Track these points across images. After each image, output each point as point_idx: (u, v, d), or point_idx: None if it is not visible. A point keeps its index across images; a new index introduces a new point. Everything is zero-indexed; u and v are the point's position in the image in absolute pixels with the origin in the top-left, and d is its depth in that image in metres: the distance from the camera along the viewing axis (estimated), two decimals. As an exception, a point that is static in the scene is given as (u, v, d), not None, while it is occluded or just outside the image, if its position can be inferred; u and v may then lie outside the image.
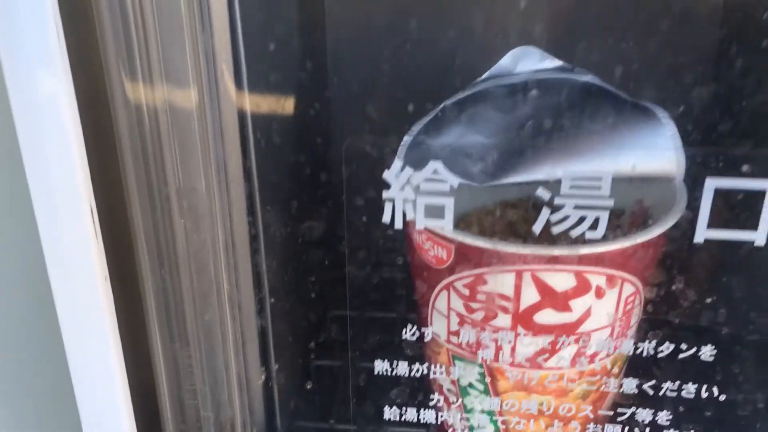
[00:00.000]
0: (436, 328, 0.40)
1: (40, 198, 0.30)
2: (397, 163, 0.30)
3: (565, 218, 0.29)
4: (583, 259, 0.33)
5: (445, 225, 0.31)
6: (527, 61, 0.44)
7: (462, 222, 0.42)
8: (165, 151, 0.29)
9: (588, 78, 0.42)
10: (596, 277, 0.35)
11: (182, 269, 0.31)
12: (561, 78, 0.43)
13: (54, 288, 0.32)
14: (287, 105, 0.38)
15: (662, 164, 0.39)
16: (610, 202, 0.29)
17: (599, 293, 0.35)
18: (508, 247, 0.32)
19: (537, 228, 0.30)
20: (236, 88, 0.31)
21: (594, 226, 0.29)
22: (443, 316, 0.39)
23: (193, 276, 0.32)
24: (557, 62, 0.43)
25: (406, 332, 0.36)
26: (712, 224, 0.28)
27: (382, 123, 0.39)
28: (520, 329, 0.36)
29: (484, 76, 0.44)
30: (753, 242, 0.28)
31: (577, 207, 0.29)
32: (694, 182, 0.37)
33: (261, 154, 0.33)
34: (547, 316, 0.36)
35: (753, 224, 0.28)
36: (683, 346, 0.32)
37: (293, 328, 0.38)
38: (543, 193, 0.30)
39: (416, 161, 0.42)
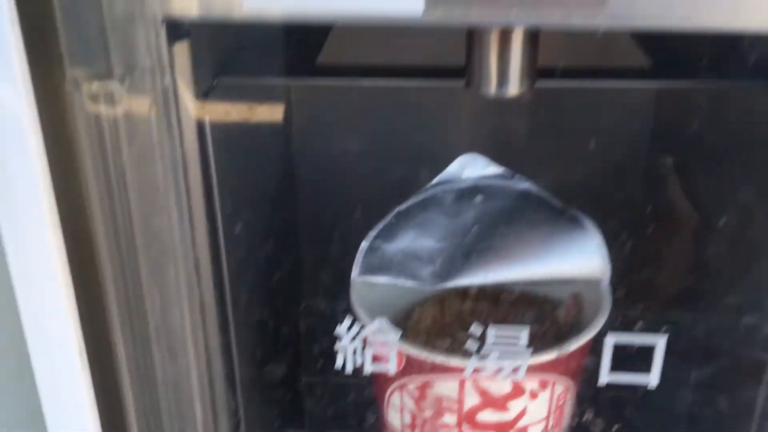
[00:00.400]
0: (392, 421, 0.44)
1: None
2: (347, 320, 0.34)
3: (491, 363, 0.34)
4: (518, 371, 0.38)
5: (390, 368, 0.36)
6: (473, 168, 0.49)
7: (410, 319, 0.47)
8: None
9: (526, 185, 0.47)
10: (530, 383, 0.39)
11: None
12: (502, 185, 0.48)
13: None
14: (255, 255, 0.43)
15: (590, 268, 0.44)
16: (528, 353, 0.34)
17: (533, 395, 0.40)
18: (451, 361, 0.37)
19: (466, 374, 0.35)
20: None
21: (515, 370, 0.34)
22: (397, 411, 0.43)
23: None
24: (500, 169, 0.48)
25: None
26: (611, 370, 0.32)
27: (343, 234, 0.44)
28: (464, 426, 0.41)
29: (434, 181, 0.49)
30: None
31: (501, 355, 0.34)
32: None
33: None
34: (487, 416, 0.40)
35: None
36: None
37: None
38: (471, 345, 0.34)
39: (373, 267, 0.46)
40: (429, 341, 0.43)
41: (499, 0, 0.24)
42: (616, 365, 0.33)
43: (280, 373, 0.47)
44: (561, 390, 0.41)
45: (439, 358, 0.38)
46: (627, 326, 0.37)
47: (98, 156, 0.33)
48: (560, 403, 0.41)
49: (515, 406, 0.40)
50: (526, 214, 0.46)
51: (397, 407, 0.43)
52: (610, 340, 0.32)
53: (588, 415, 0.40)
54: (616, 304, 0.42)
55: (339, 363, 0.34)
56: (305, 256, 0.55)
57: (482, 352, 0.34)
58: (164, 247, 0.35)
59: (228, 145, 0.38)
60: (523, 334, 0.33)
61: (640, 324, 0.34)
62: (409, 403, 0.42)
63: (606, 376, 0.33)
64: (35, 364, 0.37)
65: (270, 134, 0.51)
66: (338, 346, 0.34)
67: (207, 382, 0.38)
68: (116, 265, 0.35)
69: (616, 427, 0.43)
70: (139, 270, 0.35)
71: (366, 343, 0.36)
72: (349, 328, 0.34)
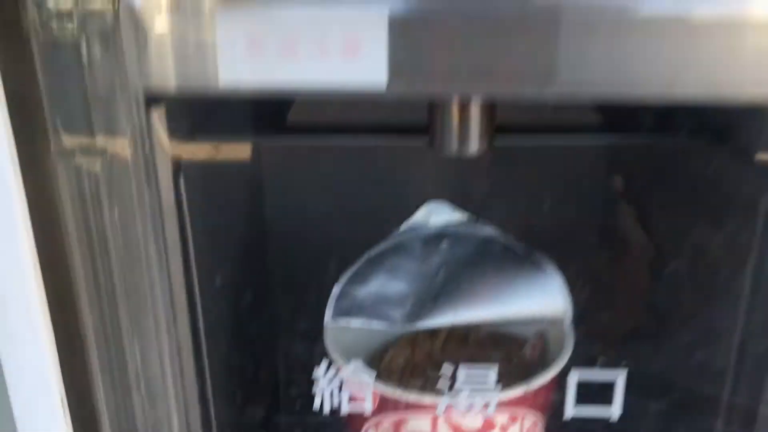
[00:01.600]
0: (368, 458, 0.45)
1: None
2: (324, 364, 0.36)
3: (463, 400, 0.36)
4: (487, 406, 0.40)
5: (366, 407, 0.37)
6: (439, 215, 0.51)
7: (383, 360, 0.48)
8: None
9: (489, 231, 0.50)
10: (500, 417, 0.41)
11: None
12: (467, 231, 0.50)
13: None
14: (231, 303, 0.45)
15: (552, 308, 0.47)
16: (497, 389, 0.36)
17: (503, 429, 0.41)
18: (424, 399, 0.39)
19: (439, 411, 0.37)
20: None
21: (486, 406, 0.36)
22: (373, 449, 0.44)
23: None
24: (464, 216, 0.50)
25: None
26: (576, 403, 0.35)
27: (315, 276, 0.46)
28: (439, 461, 0.42)
29: (402, 228, 0.51)
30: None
31: (472, 393, 0.36)
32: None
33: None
34: (461, 450, 0.42)
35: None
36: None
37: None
38: (443, 384, 0.36)
39: (345, 311, 0.48)
40: (402, 380, 0.44)
41: (457, 73, 0.27)
42: (581, 398, 0.35)
43: (259, 416, 0.48)
44: (530, 424, 0.42)
45: (412, 397, 0.40)
46: (589, 361, 0.40)
47: (79, 210, 0.34)
48: (529, 436, 0.43)
49: (487, 441, 0.41)
50: (490, 258, 0.49)
51: (373, 446, 0.44)
52: (573, 377, 0.35)
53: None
54: (579, 341, 0.44)
55: (317, 404, 0.36)
56: (280, 302, 0.57)
57: (454, 389, 0.36)
58: (144, 297, 0.36)
59: (202, 197, 0.40)
60: (492, 372, 0.35)
61: (601, 359, 0.37)
62: (385, 441, 0.43)
63: (571, 409, 0.35)
64: (16, 412, 0.38)
65: (241, 185, 0.53)
66: (316, 388, 0.35)
67: (186, 427, 0.39)
68: (97, 314, 0.37)
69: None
70: (119, 320, 0.37)
71: (342, 385, 0.38)
72: (326, 370, 0.35)
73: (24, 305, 0.36)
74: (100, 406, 0.38)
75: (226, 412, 0.42)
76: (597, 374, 0.34)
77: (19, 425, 0.38)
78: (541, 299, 0.46)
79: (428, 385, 0.42)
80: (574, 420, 0.36)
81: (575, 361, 0.42)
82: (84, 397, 0.38)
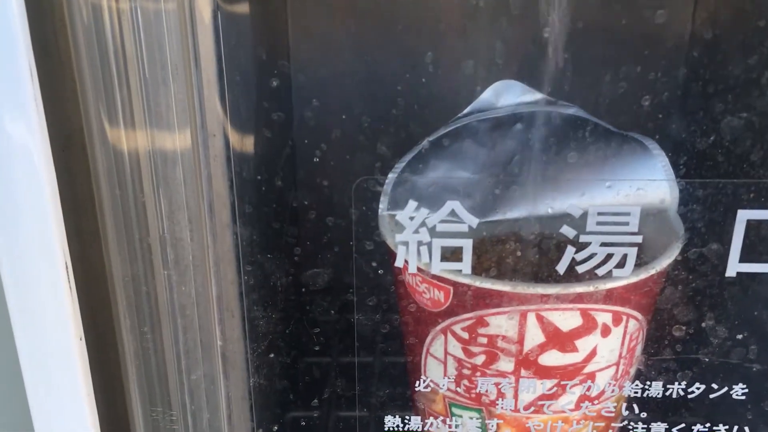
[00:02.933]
0: (432, 374, 0.37)
1: (8, 249, 0.27)
2: (411, 203, 0.28)
3: (591, 257, 0.28)
4: (589, 297, 0.32)
5: (464, 267, 0.29)
6: (509, 95, 0.43)
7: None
8: (147, 197, 0.27)
9: (573, 111, 0.42)
10: (602, 315, 0.33)
11: (164, 325, 0.29)
12: (546, 111, 0.42)
13: (20, 349, 0.29)
14: (283, 144, 0.36)
15: (655, 196, 0.39)
16: (639, 238, 0.28)
17: (605, 331, 0.34)
18: (521, 288, 0.31)
19: (561, 268, 0.29)
20: (230, 129, 0.29)
21: (621, 263, 0.28)
22: (440, 362, 0.37)
23: (179, 331, 0.29)
24: (540, 95, 0.42)
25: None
26: (744, 258, 0.27)
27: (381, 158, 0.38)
28: (523, 372, 0.35)
29: (466, 110, 0.44)
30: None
31: (603, 244, 0.28)
32: (691, 213, 0.36)
33: (256, 197, 0.31)
34: (551, 358, 0.34)
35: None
36: (714, 386, 0.31)
37: (296, 386, 0.36)
38: (568, 231, 0.28)
39: (400, 200, 0.40)
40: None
41: None
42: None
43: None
44: (634, 328, 0.35)
45: (496, 285, 0.32)
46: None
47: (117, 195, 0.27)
48: (632, 344, 0.35)
49: (585, 345, 0.34)
50: (575, 141, 0.41)
51: (440, 357, 0.36)
52: (743, 216, 0.26)
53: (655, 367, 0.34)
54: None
55: (400, 261, 0.28)
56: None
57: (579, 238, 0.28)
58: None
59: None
60: (635, 213, 0.27)
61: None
62: (456, 350, 0.35)
63: (735, 265, 0.27)
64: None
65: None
66: (398, 239, 0.27)
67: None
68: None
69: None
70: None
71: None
72: (414, 214, 0.27)
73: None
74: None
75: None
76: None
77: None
78: (642, 185, 0.38)
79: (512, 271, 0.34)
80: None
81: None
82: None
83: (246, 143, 0.29)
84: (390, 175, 0.40)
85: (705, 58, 0.48)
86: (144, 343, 0.29)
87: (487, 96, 0.44)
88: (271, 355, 0.31)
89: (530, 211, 0.38)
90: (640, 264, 0.33)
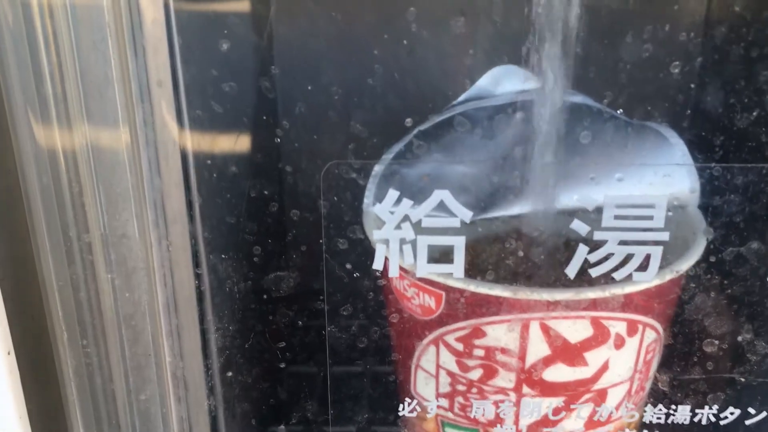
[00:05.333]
0: (422, 390, 0.33)
1: None
2: (392, 193, 0.24)
3: (608, 257, 0.24)
4: (602, 304, 0.28)
5: (455, 270, 0.25)
6: (509, 82, 0.40)
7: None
8: (86, 191, 0.23)
9: (579, 99, 0.38)
10: (616, 325, 0.29)
11: (110, 338, 0.25)
12: (548, 100, 0.38)
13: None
14: (240, 129, 0.32)
15: (674, 189, 0.34)
16: (665, 235, 0.24)
17: (618, 343, 0.30)
18: (525, 293, 0.26)
19: (571, 271, 0.25)
20: (177, 111, 0.25)
21: (644, 265, 0.24)
22: (431, 376, 0.33)
23: (126, 346, 0.25)
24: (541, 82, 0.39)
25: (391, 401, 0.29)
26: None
27: (368, 146, 0.33)
28: (525, 389, 0.31)
29: (462, 98, 0.40)
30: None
31: (622, 243, 0.23)
32: (716, 207, 0.32)
33: (209, 190, 0.27)
34: (557, 373, 0.30)
35: None
36: (751, 410, 0.27)
37: (259, 408, 0.31)
38: (579, 227, 0.24)
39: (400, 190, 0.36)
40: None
41: None
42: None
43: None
44: (651, 339, 0.31)
45: (494, 290, 0.28)
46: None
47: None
48: (649, 357, 0.31)
49: (595, 359, 0.30)
50: (584, 131, 0.37)
51: (431, 371, 0.32)
52: None
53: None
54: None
55: (378, 262, 0.24)
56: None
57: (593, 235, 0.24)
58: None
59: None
60: (660, 205, 0.23)
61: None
62: (449, 362, 0.31)
63: None
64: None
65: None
66: (377, 236, 0.23)
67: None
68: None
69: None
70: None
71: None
72: (395, 207, 0.23)
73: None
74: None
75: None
76: None
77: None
78: (659, 178, 0.34)
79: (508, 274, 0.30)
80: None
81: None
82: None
83: (197, 125, 0.25)
84: (376, 168, 0.36)
85: (723, 42, 0.44)
86: (86, 359, 0.25)
87: (484, 82, 0.40)
88: (229, 374, 0.27)
89: (535, 205, 0.34)
90: (662, 266, 0.29)
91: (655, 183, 0.31)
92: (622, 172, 0.33)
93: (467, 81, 0.39)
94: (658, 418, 0.29)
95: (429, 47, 0.40)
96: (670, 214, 0.34)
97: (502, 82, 0.40)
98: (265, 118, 0.32)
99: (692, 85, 0.43)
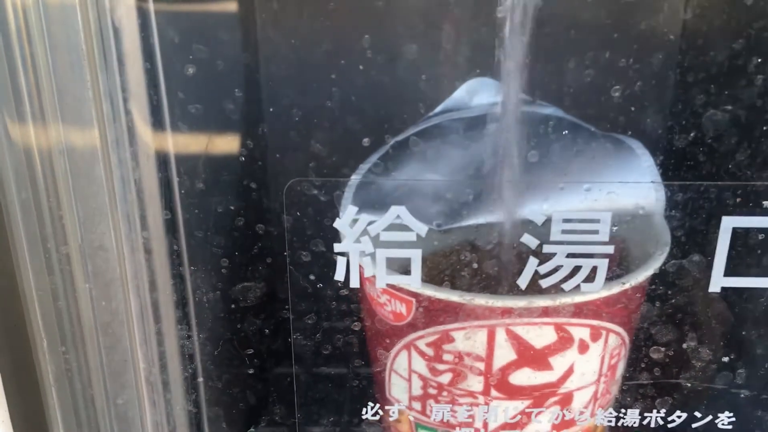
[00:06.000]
0: (396, 393, 0.34)
1: None
2: (351, 209, 0.25)
3: (556, 269, 0.25)
4: (564, 311, 0.29)
5: (412, 282, 0.26)
6: (483, 94, 0.41)
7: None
8: (63, 206, 0.24)
9: (551, 110, 0.39)
10: (579, 330, 0.30)
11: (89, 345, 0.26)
12: (523, 111, 0.39)
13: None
14: (216, 144, 0.33)
15: (639, 200, 0.36)
16: (610, 249, 0.25)
17: (582, 347, 0.31)
18: (481, 300, 0.28)
19: (522, 282, 0.26)
20: (153, 128, 0.26)
21: (591, 277, 0.25)
22: (404, 379, 0.34)
23: (103, 353, 0.26)
24: (516, 93, 0.40)
25: (363, 403, 0.30)
26: (730, 271, 0.23)
27: (329, 164, 0.34)
28: (494, 392, 0.32)
29: (438, 109, 0.41)
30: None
31: (570, 255, 0.25)
32: (679, 218, 0.33)
33: (186, 204, 0.28)
34: (523, 377, 0.31)
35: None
36: (697, 414, 0.28)
37: (229, 412, 0.33)
38: (530, 240, 0.25)
39: (365, 204, 0.37)
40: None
41: None
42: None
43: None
44: (615, 344, 0.32)
45: (462, 297, 0.29)
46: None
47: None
48: (614, 361, 0.32)
49: (560, 363, 0.31)
50: (554, 142, 0.38)
51: (404, 374, 0.33)
52: (728, 223, 0.23)
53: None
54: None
55: (340, 274, 0.25)
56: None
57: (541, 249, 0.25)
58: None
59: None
60: (605, 220, 0.24)
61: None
62: (420, 367, 0.32)
63: (720, 279, 0.24)
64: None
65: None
66: (337, 248, 0.25)
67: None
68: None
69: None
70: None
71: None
72: (353, 222, 0.24)
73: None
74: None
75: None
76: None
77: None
78: (625, 188, 0.35)
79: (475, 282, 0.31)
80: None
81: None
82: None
83: (174, 142, 0.26)
84: (352, 178, 0.37)
85: (692, 50, 0.45)
86: (66, 366, 0.26)
87: (459, 94, 0.41)
88: (200, 379, 0.28)
89: (488, 218, 0.35)
90: (613, 277, 0.30)
91: (600, 199, 0.32)
92: (585, 185, 0.35)
93: (420, 104, 0.40)
94: (609, 422, 0.30)
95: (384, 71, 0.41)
96: (624, 227, 0.35)
97: (477, 94, 0.41)
98: (230, 135, 0.33)
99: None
